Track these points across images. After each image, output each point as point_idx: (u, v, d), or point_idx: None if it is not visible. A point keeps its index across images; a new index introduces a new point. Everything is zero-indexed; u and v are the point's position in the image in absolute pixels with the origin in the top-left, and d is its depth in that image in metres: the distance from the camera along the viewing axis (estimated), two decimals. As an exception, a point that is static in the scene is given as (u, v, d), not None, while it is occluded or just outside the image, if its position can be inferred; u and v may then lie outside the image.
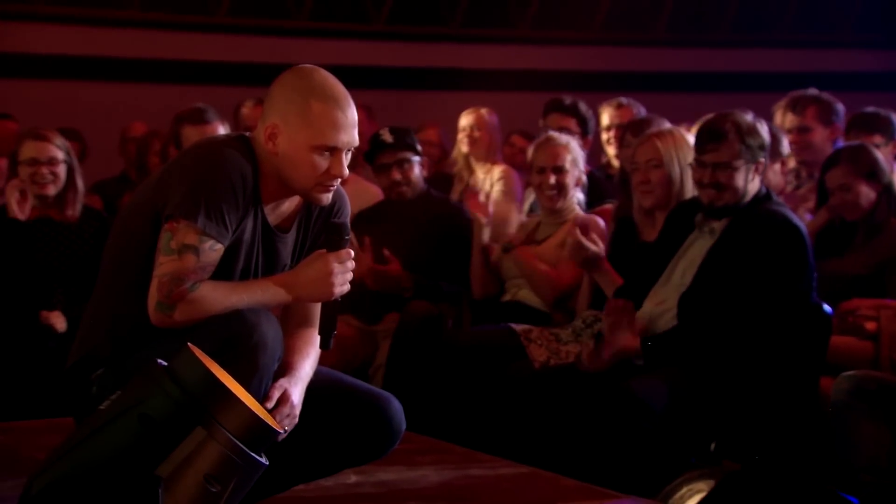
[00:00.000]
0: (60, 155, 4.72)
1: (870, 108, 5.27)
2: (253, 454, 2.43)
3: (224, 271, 2.64)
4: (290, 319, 2.78)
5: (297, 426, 2.67)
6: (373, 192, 5.34)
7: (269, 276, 2.70)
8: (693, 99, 7.80)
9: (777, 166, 4.67)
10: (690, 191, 4.06)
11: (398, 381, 4.54)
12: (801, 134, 5.07)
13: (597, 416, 3.69)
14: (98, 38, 7.94)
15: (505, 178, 5.91)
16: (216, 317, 2.56)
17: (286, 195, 2.72)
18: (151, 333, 2.61)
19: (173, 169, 2.68)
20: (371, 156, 4.96)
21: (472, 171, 6.14)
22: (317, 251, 2.70)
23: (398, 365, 4.64)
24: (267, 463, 2.47)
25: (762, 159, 3.78)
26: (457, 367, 4.32)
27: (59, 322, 4.58)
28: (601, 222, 4.51)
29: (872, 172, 4.24)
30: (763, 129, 3.81)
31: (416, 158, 4.95)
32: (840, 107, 5.12)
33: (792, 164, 5.04)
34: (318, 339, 2.74)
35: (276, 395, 2.62)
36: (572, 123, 5.41)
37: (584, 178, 4.66)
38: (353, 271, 2.69)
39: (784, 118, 5.12)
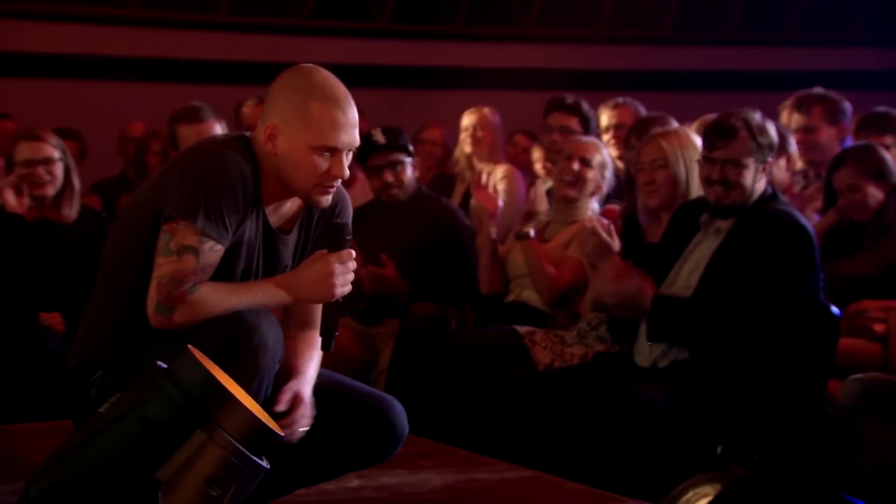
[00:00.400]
0: (56, 154, 4.72)
1: (881, 108, 5.27)
2: (254, 457, 2.43)
3: (224, 272, 2.64)
4: (292, 321, 2.78)
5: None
6: None
7: (270, 277, 2.70)
8: (699, 98, 7.80)
9: (782, 162, 4.66)
10: (696, 191, 4.06)
11: (401, 383, 4.54)
12: (807, 133, 5.06)
13: (602, 420, 3.69)
14: (97, 37, 7.94)
15: (508, 177, 5.90)
16: (216, 318, 2.56)
17: (287, 196, 2.71)
18: (151, 335, 2.61)
19: (172, 169, 2.68)
20: (362, 157, 4.91)
21: (474, 171, 6.13)
22: (318, 252, 2.69)
23: (401, 366, 4.63)
24: (268, 466, 2.47)
25: (770, 159, 3.78)
26: (460, 369, 4.31)
27: (57, 323, 4.58)
28: (617, 208, 4.51)
29: (880, 172, 4.24)
30: (772, 129, 3.81)
31: (409, 160, 4.90)
32: (847, 106, 5.12)
33: (799, 164, 5.03)
34: (319, 341, 2.73)
35: (286, 398, 2.61)
36: (574, 123, 5.40)
37: (605, 189, 4.64)
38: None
39: (790, 118, 5.12)
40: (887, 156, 4.33)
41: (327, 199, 2.70)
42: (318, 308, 2.75)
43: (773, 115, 4.75)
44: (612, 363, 4.00)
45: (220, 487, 2.39)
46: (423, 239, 4.82)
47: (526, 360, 4.17)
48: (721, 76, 9.15)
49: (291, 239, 2.76)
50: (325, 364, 2.84)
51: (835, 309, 3.77)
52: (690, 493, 3.40)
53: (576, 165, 4.53)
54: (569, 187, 4.55)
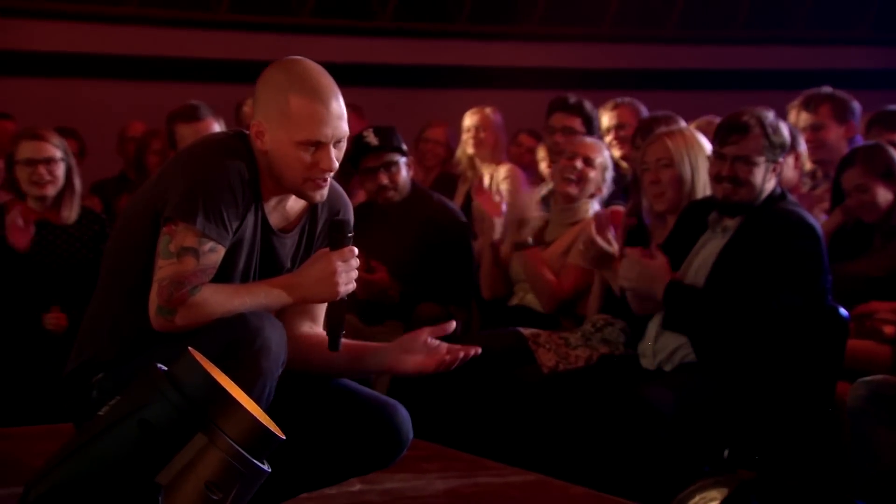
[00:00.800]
0: (58, 154, 4.72)
1: (891, 107, 5.26)
2: (255, 461, 2.43)
3: (224, 273, 2.64)
4: (296, 322, 2.78)
5: (301, 433, 2.66)
6: None
7: (267, 276, 2.70)
8: (705, 97, 7.80)
9: (791, 161, 4.66)
10: (702, 191, 4.06)
11: (404, 385, 4.54)
12: (815, 132, 5.05)
13: (607, 423, 3.69)
14: (97, 35, 7.95)
15: (511, 177, 5.90)
16: (219, 321, 2.56)
17: (285, 193, 2.71)
18: (153, 337, 2.61)
19: (171, 170, 2.68)
20: (355, 159, 4.87)
21: (477, 172, 6.14)
22: (319, 250, 2.69)
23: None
24: (269, 470, 2.47)
25: (781, 160, 3.78)
26: (464, 372, 4.30)
27: (61, 321, 4.58)
28: (621, 209, 4.50)
29: (889, 172, 4.23)
30: (785, 130, 3.81)
31: (403, 159, 4.88)
32: (856, 105, 5.11)
33: (808, 165, 5.03)
34: (325, 340, 2.73)
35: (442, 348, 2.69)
36: (577, 123, 5.40)
37: (605, 191, 4.63)
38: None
39: (798, 117, 5.12)
40: None
41: (321, 194, 2.69)
42: (323, 307, 2.75)
43: (781, 115, 4.75)
44: (618, 366, 4.00)
45: (221, 491, 2.39)
46: (418, 239, 4.81)
47: (530, 363, 4.17)
48: (727, 75, 9.15)
49: (290, 239, 2.76)
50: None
51: (843, 311, 3.77)
52: (697, 498, 3.40)
53: (579, 164, 4.52)
54: (570, 185, 4.54)
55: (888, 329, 3.97)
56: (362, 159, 4.87)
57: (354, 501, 3.24)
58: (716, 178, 3.79)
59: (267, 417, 2.52)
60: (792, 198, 3.91)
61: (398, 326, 4.80)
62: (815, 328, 3.71)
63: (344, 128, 2.65)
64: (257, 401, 2.53)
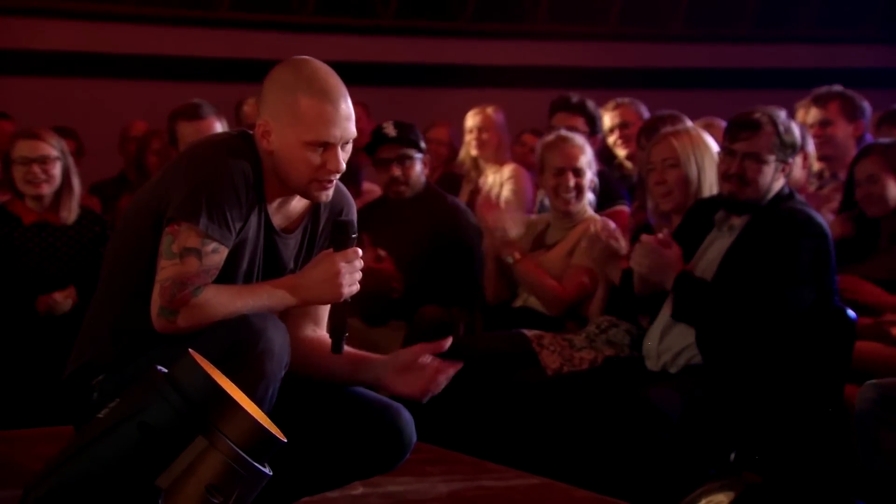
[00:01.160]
0: (54, 153, 4.73)
1: None
2: (256, 464, 2.43)
3: (227, 274, 2.64)
4: (299, 324, 2.79)
5: (303, 436, 2.67)
6: None
7: (270, 277, 2.70)
8: (711, 96, 7.80)
9: (799, 160, 4.66)
10: (709, 191, 4.06)
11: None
12: (822, 127, 5.06)
13: (611, 426, 3.69)
14: (96, 34, 7.95)
15: (515, 177, 5.90)
16: (221, 322, 2.56)
17: (289, 193, 2.72)
18: (154, 339, 2.61)
19: (173, 170, 2.69)
20: (372, 149, 4.93)
21: (480, 172, 6.15)
22: (323, 252, 2.70)
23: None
24: (270, 473, 2.47)
25: (791, 161, 3.78)
26: (467, 374, 4.31)
27: (68, 297, 4.59)
28: (626, 210, 4.49)
29: None
30: (797, 130, 3.81)
31: (419, 156, 4.91)
32: (866, 105, 5.11)
33: (816, 166, 5.03)
34: (328, 343, 2.73)
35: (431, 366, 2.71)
36: (580, 122, 5.40)
37: (596, 180, 4.64)
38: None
39: (807, 114, 5.12)
40: None
41: (327, 195, 2.69)
42: (326, 309, 2.75)
43: (789, 114, 4.75)
44: (623, 368, 4.01)
45: (222, 495, 2.40)
46: (428, 237, 4.82)
47: (534, 365, 4.18)
48: (734, 74, 9.15)
49: (293, 240, 2.76)
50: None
51: (851, 312, 3.77)
52: (703, 501, 3.41)
53: (571, 180, 4.52)
54: (570, 203, 4.54)
55: (896, 331, 3.97)
56: (378, 149, 4.90)
57: (356, 505, 3.25)
58: (724, 176, 3.79)
59: (268, 420, 2.52)
60: (800, 197, 3.91)
61: (401, 326, 4.80)
62: (822, 330, 3.71)
63: (352, 129, 2.66)
64: (259, 403, 2.53)
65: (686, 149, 4.11)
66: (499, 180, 5.94)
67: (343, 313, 2.70)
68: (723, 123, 4.45)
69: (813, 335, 3.69)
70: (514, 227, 4.61)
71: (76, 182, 4.79)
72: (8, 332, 4.62)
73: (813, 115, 5.10)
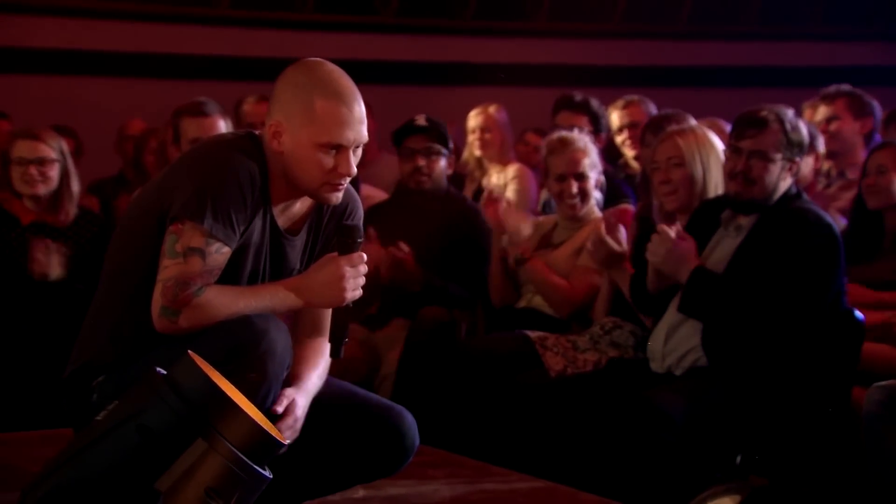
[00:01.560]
0: (53, 155, 4.74)
1: None
2: (256, 467, 2.43)
3: (231, 275, 2.64)
4: (299, 327, 2.79)
5: (306, 439, 2.67)
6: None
7: (277, 279, 2.70)
8: (716, 95, 7.80)
9: (810, 160, 4.66)
10: (714, 191, 4.05)
11: (409, 390, 4.55)
12: (829, 123, 5.06)
13: (616, 428, 3.69)
14: (94, 32, 7.95)
15: (519, 177, 5.91)
16: (223, 323, 2.56)
17: (296, 196, 2.72)
18: (155, 339, 2.61)
19: (179, 168, 2.68)
20: (399, 138, 4.94)
21: (484, 172, 6.15)
22: (328, 255, 2.70)
23: (409, 372, 4.64)
24: (271, 476, 2.47)
25: (798, 159, 3.77)
26: (470, 376, 4.32)
27: (50, 265, 4.60)
28: (631, 209, 4.50)
29: None
30: (804, 129, 3.81)
31: (445, 152, 4.93)
32: (876, 105, 5.12)
33: (826, 165, 5.03)
34: (328, 347, 2.74)
35: (285, 402, 2.62)
36: (583, 121, 5.40)
37: (602, 178, 4.65)
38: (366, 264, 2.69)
39: (815, 112, 5.12)
40: None
41: (337, 197, 2.70)
42: (328, 313, 2.75)
43: (796, 112, 4.75)
44: (627, 369, 4.00)
45: (222, 498, 2.40)
46: (444, 234, 4.83)
47: (537, 367, 4.18)
48: (740, 72, 9.13)
49: (299, 241, 2.76)
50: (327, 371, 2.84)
51: (858, 313, 3.77)
52: (708, 505, 3.41)
53: (574, 188, 4.52)
54: (575, 207, 4.55)
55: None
56: (406, 139, 4.91)
57: (358, 508, 3.25)
58: (730, 174, 3.79)
59: (269, 422, 2.52)
60: (807, 197, 3.91)
61: (403, 325, 4.80)
62: (830, 331, 3.71)
63: (364, 133, 2.67)
64: (261, 405, 2.53)
65: (691, 148, 4.11)
66: (503, 180, 5.94)
67: (344, 318, 2.70)
68: (727, 126, 4.45)
69: (820, 336, 3.69)
70: (520, 228, 4.62)
71: (75, 184, 4.79)
72: (5, 333, 4.62)
73: (820, 112, 5.10)
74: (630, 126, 5.49)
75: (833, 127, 5.06)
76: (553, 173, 4.58)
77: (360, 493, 3.29)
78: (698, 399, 3.62)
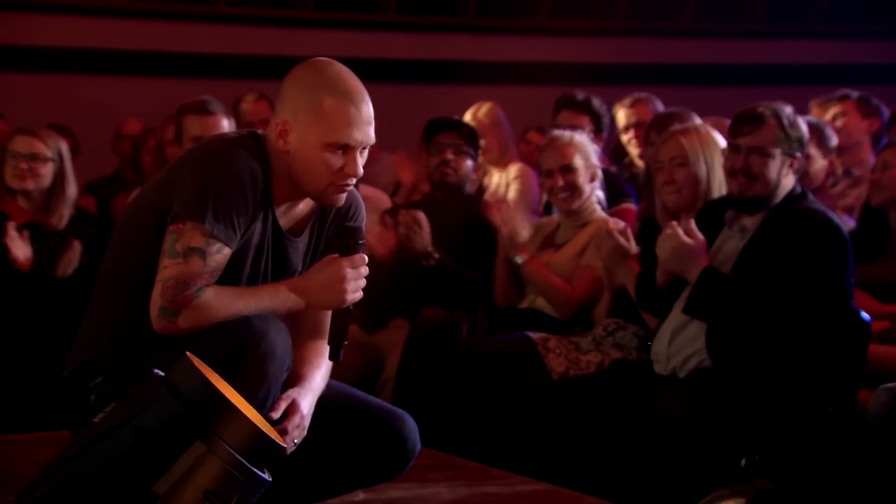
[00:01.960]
0: (48, 154, 4.74)
1: None
2: (255, 470, 2.43)
3: (231, 276, 2.64)
4: (300, 328, 2.79)
5: (306, 443, 2.67)
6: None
7: (278, 280, 2.70)
8: (721, 93, 7.79)
9: (825, 162, 4.67)
10: (718, 190, 4.05)
11: (409, 391, 4.55)
12: (835, 119, 5.07)
13: (619, 430, 3.69)
14: (91, 30, 7.95)
15: (521, 177, 5.91)
16: (222, 324, 2.56)
17: (299, 196, 2.71)
18: (154, 340, 2.61)
19: (180, 167, 2.68)
20: (430, 133, 4.99)
21: (485, 172, 6.14)
22: (329, 256, 2.70)
23: (410, 374, 4.64)
24: (270, 479, 2.47)
25: (798, 155, 3.77)
26: (471, 377, 4.32)
27: (19, 248, 4.60)
28: (632, 208, 4.50)
29: None
30: (803, 125, 3.80)
31: (473, 153, 5.00)
32: (884, 107, 5.13)
33: (840, 168, 5.02)
34: (327, 349, 2.73)
35: (283, 405, 2.61)
36: (585, 121, 5.39)
37: (599, 172, 4.63)
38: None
39: (824, 111, 5.13)
40: None
41: (341, 199, 2.70)
42: (328, 315, 2.75)
43: (801, 110, 4.75)
44: (630, 371, 4.00)
45: (220, 501, 2.39)
46: (460, 231, 4.85)
47: (540, 368, 4.17)
48: (744, 70, 9.13)
49: (301, 242, 2.76)
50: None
51: (865, 315, 3.76)
52: (713, 508, 3.40)
53: (560, 181, 4.53)
54: (565, 201, 4.57)
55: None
56: (437, 134, 4.97)
57: (357, 511, 3.25)
58: (730, 173, 3.79)
59: (268, 424, 2.52)
60: (812, 197, 3.91)
61: (403, 325, 4.80)
62: (836, 333, 3.71)
63: (372, 135, 2.67)
64: (260, 407, 2.53)
65: (695, 147, 4.11)
66: (505, 180, 5.94)
67: (344, 321, 2.70)
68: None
69: (827, 338, 3.68)
70: (523, 228, 4.62)
71: (71, 188, 4.77)
72: (3, 335, 4.62)
73: (830, 111, 5.12)
74: (637, 125, 5.48)
75: (839, 123, 5.07)
76: (542, 170, 4.62)
77: (360, 496, 3.29)
78: (702, 401, 3.62)
